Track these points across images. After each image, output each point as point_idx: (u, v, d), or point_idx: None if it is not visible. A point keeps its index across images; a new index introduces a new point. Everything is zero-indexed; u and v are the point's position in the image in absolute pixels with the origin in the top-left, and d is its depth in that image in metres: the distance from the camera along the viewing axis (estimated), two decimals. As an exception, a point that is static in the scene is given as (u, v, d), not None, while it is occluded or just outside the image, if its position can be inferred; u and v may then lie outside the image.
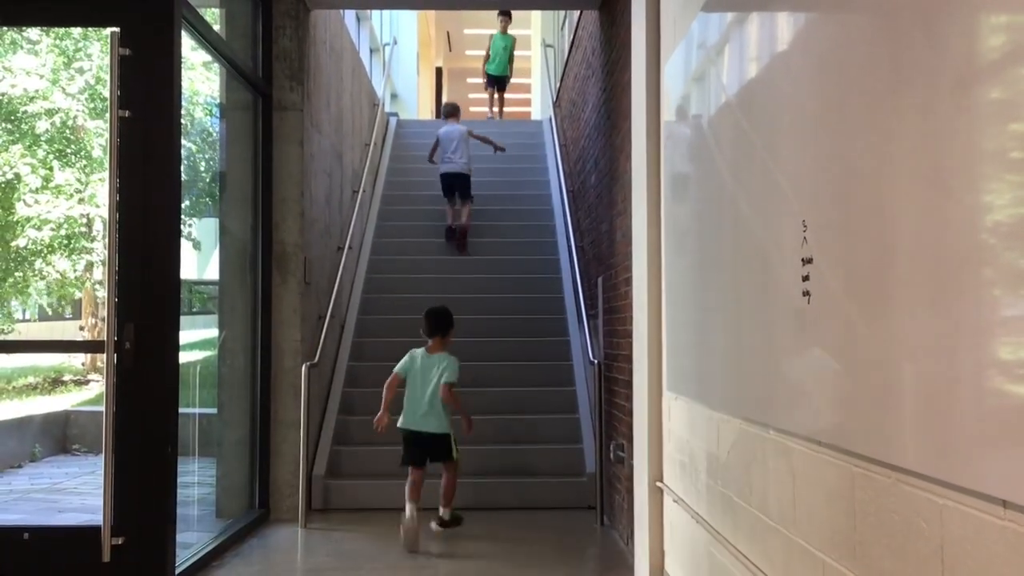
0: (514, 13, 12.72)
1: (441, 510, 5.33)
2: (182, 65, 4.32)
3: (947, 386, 1.51)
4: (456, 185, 8.87)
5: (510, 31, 12.45)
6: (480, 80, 13.10)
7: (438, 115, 21.95)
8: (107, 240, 4.06)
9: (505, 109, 12.93)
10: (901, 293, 1.67)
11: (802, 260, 2.14)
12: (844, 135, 1.93)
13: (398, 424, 5.24)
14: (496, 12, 12.24)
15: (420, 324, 5.44)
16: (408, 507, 5.01)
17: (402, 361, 5.36)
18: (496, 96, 12.36)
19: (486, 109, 13.17)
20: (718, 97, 2.96)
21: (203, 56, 5.83)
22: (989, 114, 1.40)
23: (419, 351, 5.36)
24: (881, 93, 1.76)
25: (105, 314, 4.04)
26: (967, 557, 1.46)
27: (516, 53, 12.72)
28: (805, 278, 2.12)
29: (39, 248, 10.52)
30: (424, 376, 5.23)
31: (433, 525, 5.26)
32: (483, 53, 12.82)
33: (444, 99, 22.04)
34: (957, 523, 1.49)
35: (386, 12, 14.15)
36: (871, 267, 1.79)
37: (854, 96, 1.89)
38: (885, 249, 1.73)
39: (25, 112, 10.55)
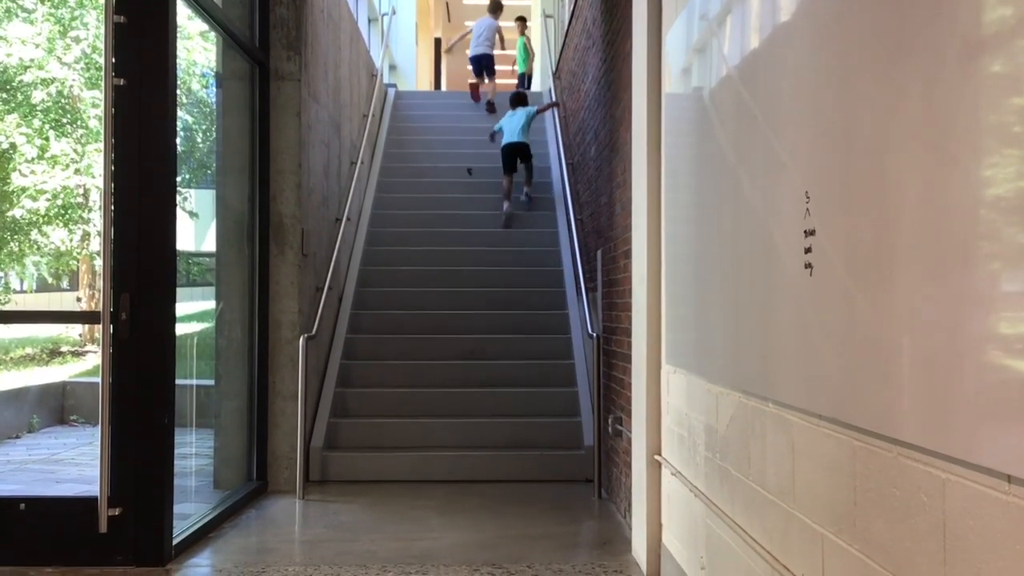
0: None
1: (525, 189, 9.03)
2: (178, 33, 4.27)
3: (951, 359, 1.49)
4: (484, 64, 11.57)
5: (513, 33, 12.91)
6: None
7: (437, 86, 21.86)
8: (103, 210, 4.03)
9: (505, 81, 13.27)
10: (905, 265, 1.64)
11: (804, 232, 2.12)
12: (847, 106, 1.90)
13: (501, 145, 8.93)
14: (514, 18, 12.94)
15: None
16: (505, 203, 8.79)
17: (497, 124, 9.15)
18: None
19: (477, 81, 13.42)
20: (719, 68, 2.92)
21: (199, 25, 5.76)
22: (994, 86, 1.37)
23: (507, 114, 9.06)
24: (884, 64, 1.73)
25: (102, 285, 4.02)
26: (969, 532, 1.45)
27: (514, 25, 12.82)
28: (807, 250, 2.10)
29: (35, 218, 10.48)
30: (512, 118, 8.92)
31: (522, 198, 8.94)
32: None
33: (443, 70, 21.96)
34: (960, 498, 1.48)
35: (385, -19, 14.00)
36: (874, 239, 1.76)
37: (857, 67, 1.85)
38: (889, 221, 1.70)
39: (21, 81, 10.47)
